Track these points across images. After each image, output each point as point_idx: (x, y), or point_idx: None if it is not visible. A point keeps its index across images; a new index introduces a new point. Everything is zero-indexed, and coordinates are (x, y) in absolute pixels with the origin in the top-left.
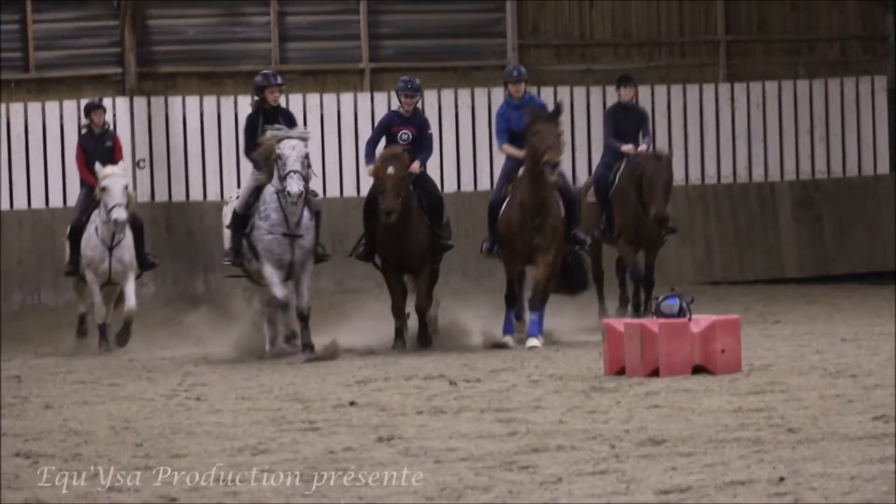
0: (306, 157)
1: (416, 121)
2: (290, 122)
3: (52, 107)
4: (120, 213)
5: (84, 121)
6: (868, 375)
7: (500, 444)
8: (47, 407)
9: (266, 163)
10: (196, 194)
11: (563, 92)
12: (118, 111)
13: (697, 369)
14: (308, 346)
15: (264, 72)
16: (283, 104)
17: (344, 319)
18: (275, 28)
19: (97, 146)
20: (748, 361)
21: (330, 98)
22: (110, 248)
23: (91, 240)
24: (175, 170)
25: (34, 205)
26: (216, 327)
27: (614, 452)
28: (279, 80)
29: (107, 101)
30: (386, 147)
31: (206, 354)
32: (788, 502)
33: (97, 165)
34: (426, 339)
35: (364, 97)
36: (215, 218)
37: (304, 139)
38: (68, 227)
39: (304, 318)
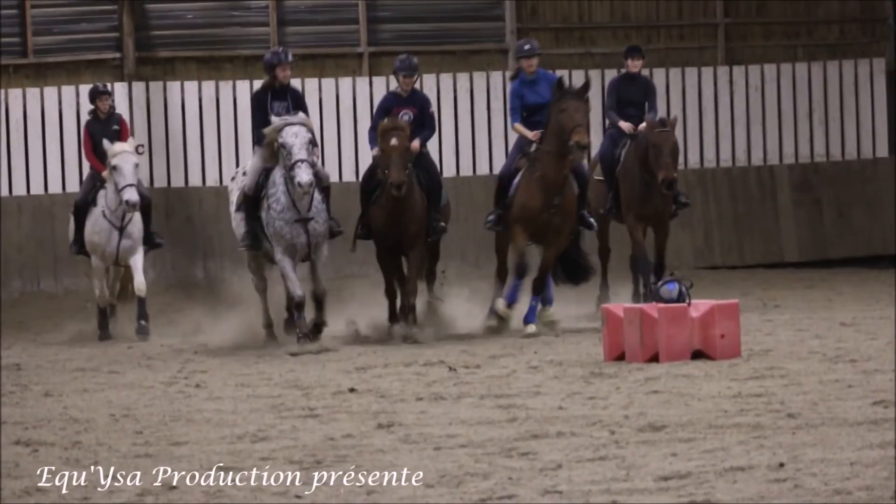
0: (310, 141)
1: (416, 100)
2: (298, 101)
3: (50, 92)
4: (132, 195)
5: (89, 106)
6: (867, 360)
7: (500, 430)
8: (47, 395)
9: (271, 151)
10: (195, 180)
11: (562, 75)
12: (116, 96)
13: (697, 354)
14: (318, 324)
15: (274, 49)
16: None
17: (343, 305)
18: (273, 12)
19: (104, 130)
20: (747, 346)
21: (328, 82)
22: (120, 229)
23: (97, 223)
24: (174, 155)
25: (33, 191)
26: (216, 315)
27: (614, 438)
28: (290, 57)
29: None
30: None
31: (205, 342)
32: (788, 488)
33: (105, 143)
34: (410, 335)
35: (363, 81)
36: (214, 203)
37: (306, 124)
38: (73, 205)
39: (318, 301)
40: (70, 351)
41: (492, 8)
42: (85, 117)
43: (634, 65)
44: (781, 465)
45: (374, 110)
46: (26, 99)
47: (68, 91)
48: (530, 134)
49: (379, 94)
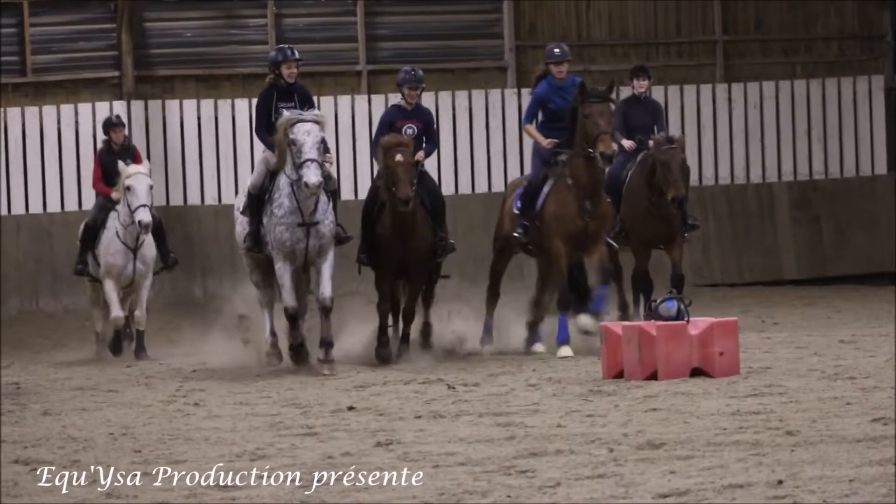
0: (322, 141)
1: (420, 114)
2: (306, 100)
3: (49, 111)
4: (145, 215)
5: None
6: (866, 377)
7: (499, 448)
8: (46, 413)
9: (279, 148)
10: (194, 198)
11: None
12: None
13: (696, 372)
14: (327, 343)
15: (280, 46)
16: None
17: (341, 324)
18: (272, 30)
19: (117, 162)
20: (746, 364)
21: (327, 100)
22: (134, 251)
23: (112, 244)
24: (172, 174)
25: (32, 210)
26: (215, 334)
27: (613, 456)
28: (296, 54)
29: (104, 105)
30: None
31: (204, 361)
32: None
33: (120, 164)
34: (405, 350)
35: (361, 99)
36: (213, 222)
37: (319, 122)
38: (82, 226)
39: (325, 310)
40: (69, 370)
41: (490, 26)
42: (84, 136)
43: (640, 85)
44: (780, 482)
45: (378, 124)
46: (25, 118)
47: (67, 110)
48: (544, 141)
49: (378, 113)
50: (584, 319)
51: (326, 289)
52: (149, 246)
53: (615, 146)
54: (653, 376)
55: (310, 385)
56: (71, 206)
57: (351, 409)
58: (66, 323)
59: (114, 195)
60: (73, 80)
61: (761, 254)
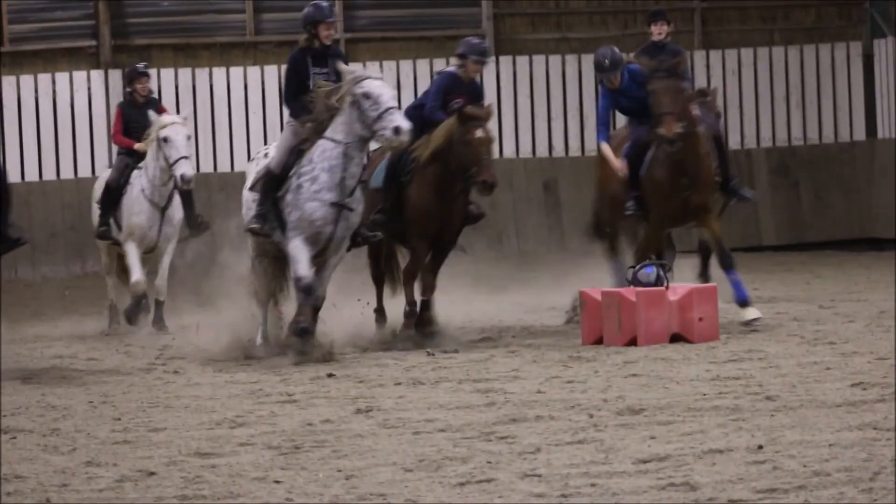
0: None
1: (474, 90)
2: (342, 63)
3: (26, 80)
4: (188, 168)
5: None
6: (846, 342)
7: (479, 414)
8: (25, 382)
9: (329, 109)
10: None
11: (539, 61)
12: (93, 84)
13: (675, 338)
14: (307, 331)
15: (316, 2)
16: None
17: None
18: None
19: (140, 116)
20: (726, 329)
21: None
22: (162, 210)
23: (137, 203)
24: None
25: (10, 179)
26: (196, 305)
27: (593, 422)
28: (335, 13)
29: (81, 74)
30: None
31: (183, 331)
32: (767, 470)
33: (151, 114)
34: (431, 332)
35: None
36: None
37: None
38: (102, 186)
39: (315, 310)
40: (48, 338)
41: None
42: (62, 105)
43: (659, 30)
44: (760, 447)
45: (433, 87)
46: (2, 88)
47: (44, 79)
48: (617, 164)
49: None
50: (752, 312)
51: (325, 286)
52: (176, 207)
53: (677, 128)
54: (632, 342)
55: (288, 352)
56: (49, 175)
57: (330, 376)
58: (44, 292)
59: (137, 147)
60: (50, 50)
61: (740, 220)
